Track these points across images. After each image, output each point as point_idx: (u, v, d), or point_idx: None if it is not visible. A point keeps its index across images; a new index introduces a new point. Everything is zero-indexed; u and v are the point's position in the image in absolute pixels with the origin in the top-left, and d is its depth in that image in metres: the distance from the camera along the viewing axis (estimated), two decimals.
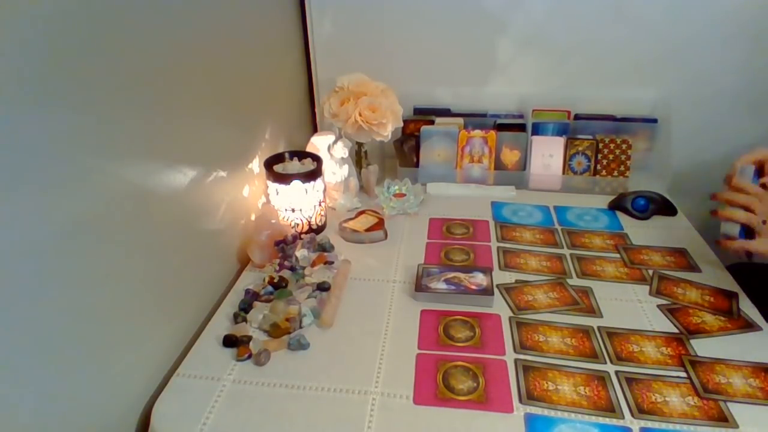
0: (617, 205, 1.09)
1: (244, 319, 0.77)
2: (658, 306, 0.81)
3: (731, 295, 0.83)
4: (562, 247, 0.96)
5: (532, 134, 1.17)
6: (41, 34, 0.46)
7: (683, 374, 0.68)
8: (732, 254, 0.80)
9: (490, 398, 0.64)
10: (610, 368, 0.69)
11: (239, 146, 0.93)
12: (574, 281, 0.87)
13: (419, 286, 0.82)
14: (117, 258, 0.59)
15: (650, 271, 0.89)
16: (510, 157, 1.18)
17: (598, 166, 1.15)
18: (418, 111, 1.28)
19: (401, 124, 1.10)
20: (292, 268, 0.87)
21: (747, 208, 0.78)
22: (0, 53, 0.42)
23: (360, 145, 1.17)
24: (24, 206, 0.46)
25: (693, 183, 1.18)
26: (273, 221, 0.91)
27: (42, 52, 0.46)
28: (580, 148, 1.15)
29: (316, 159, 0.99)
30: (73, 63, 0.50)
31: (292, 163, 0.98)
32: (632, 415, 0.62)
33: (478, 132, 1.17)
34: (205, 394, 0.65)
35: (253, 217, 0.97)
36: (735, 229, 0.81)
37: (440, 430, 0.61)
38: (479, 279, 0.83)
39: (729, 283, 0.86)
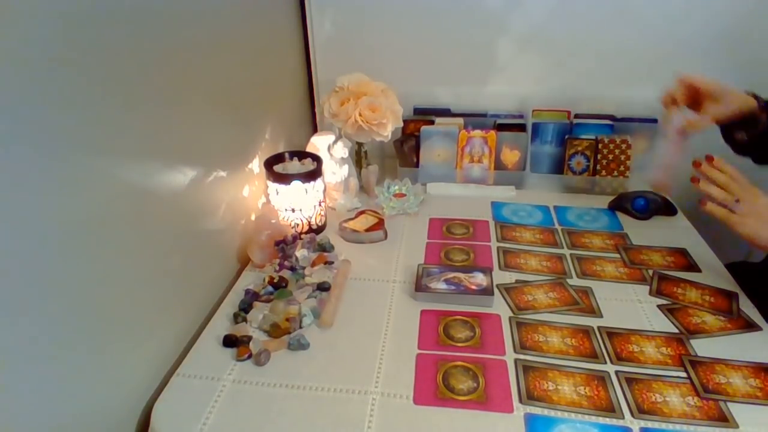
0: (617, 205, 1.09)
1: (244, 319, 0.77)
2: (658, 306, 0.81)
3: (731, 295, 0.83)
4: (562, 247, 0.96)
5: (532, 134, 1.17)
6: (41, 34, 0.46)
7: (683, 374, 0.68)
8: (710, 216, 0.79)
9: (490, 398, 0.64)
10: (610, 368, 0.69)
11: (239, 146, 0.93)
12: (574, 281, 0.87)
13: (419, 286, 0.82)
14: (117, 258, 0.59)
15: (650, 271, 0.89)
16: (510, 157, 1.18)
17: (598, 166, 1.15)
18: (418, 111, 1.28)
19: (401, 124, 1.10)
20: (292, 268, 0.87)
21: (724, 188, 0.78)
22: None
23: (360, 145, 1.17)
24: (24, 206, 0.46)
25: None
26: (273, 221, 0.91)
27: (42, 52, 0.46)
28: (580, 148, 1.15)
29: (316, 159, 0.99)
30: (72, 63, 0.50)
31: (292, 163, 0.98)
32: (632, 415, 0.62)
33: (478, 132, 1.17)
34: (205, 394, 0.65)
35: (253, 217, 0.97)
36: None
37: (440, 430, 0.61)
38: (479, 279, 0.83)
39: (729, 283, 0.86)
